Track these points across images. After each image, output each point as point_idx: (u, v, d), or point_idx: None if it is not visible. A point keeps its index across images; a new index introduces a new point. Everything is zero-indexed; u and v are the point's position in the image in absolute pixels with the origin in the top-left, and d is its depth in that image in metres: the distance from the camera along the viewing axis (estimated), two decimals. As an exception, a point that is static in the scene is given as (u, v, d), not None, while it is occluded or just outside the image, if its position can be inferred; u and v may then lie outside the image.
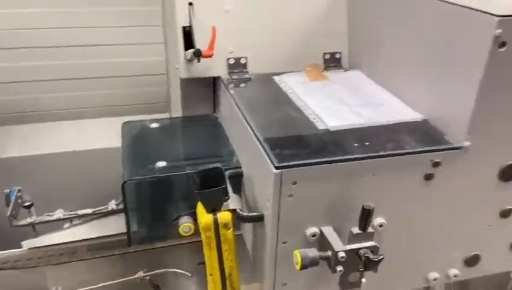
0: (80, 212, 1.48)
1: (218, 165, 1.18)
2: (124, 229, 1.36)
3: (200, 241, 1.16)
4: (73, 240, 1.49)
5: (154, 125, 1.58)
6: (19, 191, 1.55)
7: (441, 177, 1.12)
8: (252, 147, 1.16)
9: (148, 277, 1.50)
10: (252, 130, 1.18)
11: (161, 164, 1.33)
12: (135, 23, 2.45)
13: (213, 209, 1.14)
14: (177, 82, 1.63)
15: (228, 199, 1.16)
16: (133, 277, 1.50)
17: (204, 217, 1.13)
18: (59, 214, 1.46)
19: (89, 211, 1.48)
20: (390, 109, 1.27)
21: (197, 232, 1.32)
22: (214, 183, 1.13)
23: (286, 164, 1.01)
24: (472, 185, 1.17)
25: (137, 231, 1.35)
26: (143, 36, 2.44)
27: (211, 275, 1.20)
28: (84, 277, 1.57)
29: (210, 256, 1.17)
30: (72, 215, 1.49)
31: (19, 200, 1.52)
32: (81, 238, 1.50)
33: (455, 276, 1.31)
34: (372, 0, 1.46)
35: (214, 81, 1.62)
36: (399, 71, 1.34)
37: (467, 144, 1.09)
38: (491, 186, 1.18)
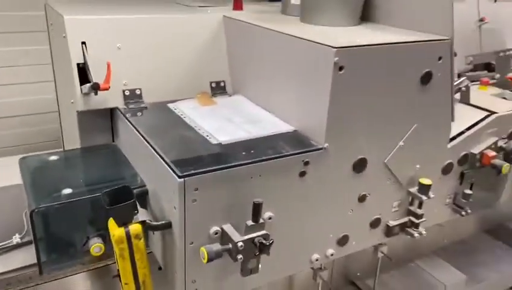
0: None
1: (126, 184, 1.31)
2: (31, 261, 1.39)
3: (107, 265, 1.27)
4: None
5: (53, 157, 1.63)
6: None
7: (312, 173, 1.41)
8: (155, 165, 1.33)
9: (59, 305, 1.53)
10: (154, 150, 1.35)
11: (67, 191, 1.41)
12: (23, 62, 2.43)
13: (124, 223, 1.27)
14: (72, 116, 1.71)
15: (137, 212, 1.30)
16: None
17: (117, 231, 1.25)
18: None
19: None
20: (269, 124, 1.54)
21: (105, 253, 1.42)
22: (123, 201, 1.26)
23: (187, 173, 1.20)
24: (335, 177, 1.48)
25: (47, 260, 1.39)
26: (30, 75, 2.43)
27: (126, 284, 1.31)
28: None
29: (124, 266, 1.29)
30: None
31: None
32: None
33: (332, 255, 1.61)
34: (243, 37, 1.75)
35: (111, 112, 1.75)
36: (272, 94, 1.64)
37: (326, 145, 1.41)
38: (348, 177, 1.52)
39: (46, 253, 1.39)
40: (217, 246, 1.26)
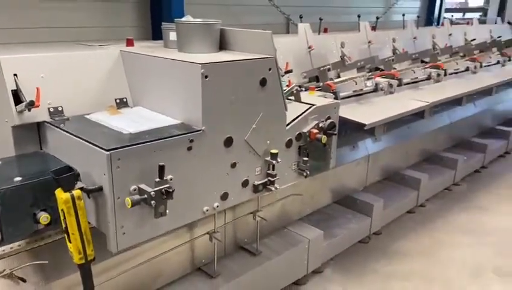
0: None
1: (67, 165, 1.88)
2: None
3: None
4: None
5: (-2, 162, 2.10)
6: None
7: (196, 148, 2.13)
8: (86, 150, 1.92)
9: (13, 272, 1.97)
10: (85, 141, 1.94)
11: (17, 179, 1.91)
12: None
13: (68, 190, 1.83)
14: (7, 132, 2.19)
15: (77, 182, 1.87)
16: (1, 274, 1.94)
17: (64, 195, 1.81)
18: None
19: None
20: (163, 120, 2.23)
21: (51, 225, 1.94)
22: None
23: (112, 148, 1.83)
24: (212, 150, 2.21)
25: (6, 231, 1.86)
26: None
27: (73, 234, 1.85)
28: None
29: (71, 221, 1.84)
30: None
31: None
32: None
33: (217, 207, 2.32)
34: (137, 64, 2.43)
35: (38, 126, 2.27)
36: (162, 102, 2.33)
37: (203, 128, 2.14)
38: (221, 150, 2.26)
39: (5, 226, 1.86)
40: (137, 196, 1.89)
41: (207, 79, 2.09)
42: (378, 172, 4.40)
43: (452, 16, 10.30)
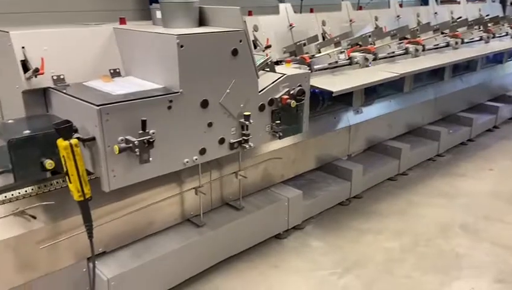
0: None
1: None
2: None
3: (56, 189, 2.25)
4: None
5: (10, 121, 2.53)
6: None
7: (175, 107, 2.52)
8: (83, 107, 2.33)
9: (25, 211, 2.42)
10: (82, 100, 2.35)
11: (27, 132, 2.33)
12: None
13: (67, 139, 2.24)
14: (18, 97, 2.62)
15: (74, 133, 2.28)
16: (15, 211, 2.39)
17: (64, 142, 2.23)
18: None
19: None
20: (148, 86, 2.62)
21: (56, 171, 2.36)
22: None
23: (101, 104, 2.24)
24: (189, 110, 2.60)
25: (18, 174, 2.29)
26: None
27: (72, 175, 2.27)
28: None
29: (70, 164, 2.25)
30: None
31: None
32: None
33: (196, 159, 2.71)
34: (127, 39, 2.82)
35: (44, 92, 2.69)
36: (148, 70, 2.72)
37: (181, 90, 2.52)
38: (199, 111, 2.65)
39: (17, 169, 2.29)
40: (123, 144, 2.30)
41: (182, 48, 2.47)
42: (360, 142, 4.73)
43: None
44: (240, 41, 2.74)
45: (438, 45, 5.08)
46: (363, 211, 4.26)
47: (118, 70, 2.90)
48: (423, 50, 4.75)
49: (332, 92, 3.31)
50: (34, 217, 2.49)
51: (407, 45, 4.64)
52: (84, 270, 2.78)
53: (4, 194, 2.46)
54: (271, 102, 3.05)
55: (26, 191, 2.52)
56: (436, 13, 5.76)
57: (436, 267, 3.40)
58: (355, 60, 3.97)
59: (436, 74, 5.39)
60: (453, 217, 4.11)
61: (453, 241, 3.73)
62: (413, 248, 3.66)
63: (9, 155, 2.25)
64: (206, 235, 3.18)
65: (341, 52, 3.81)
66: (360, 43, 4.33)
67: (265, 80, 3.06)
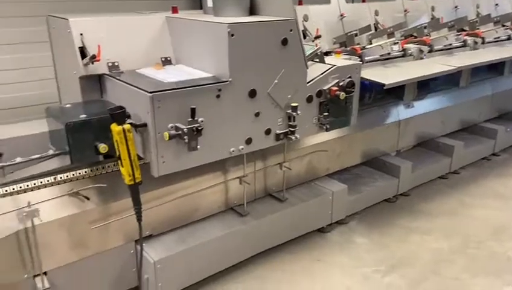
0: (33, 156, 2.45)
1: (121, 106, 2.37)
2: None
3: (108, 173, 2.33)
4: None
5: (68, 105, 2.65)
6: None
7: (223, 96, 2.53)
8: (136, 94, 2.39)
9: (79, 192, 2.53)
10: (135, 87, 2.41)
11: (83, 116, 2.43)
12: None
13: (120, 124, 2.31)
14: (75, 82, 2.73)
15: (127, 119, 2.35)
16: (70, 192, 2.50)
17: (117, 127, 2.30)
18: (19, 159, 2.41)
19: (37, 155, 2.46)
20: (198, 74, 2.65)
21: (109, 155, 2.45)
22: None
23: (154, 91, 2.28)
24: (237, 99, 2.61)
25: (74, 156, 2.40)
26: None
27: (124, 159, 2.34)
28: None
29: (122, 148, 2.33)
30: (28, 160, 2.45)
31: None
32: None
33: (242, 149, 2.72)
34: (179, 28, 2.86)
35: (99, 79, 2.78)
36: (199, 59, 2.74)
37: (230, 79, 2.53)
38: (247, 100, 2.65)
39: (73, 151, 2.39)
40: (173, 131, 2.34)
41: (233, 37, 2.47)
42: (410, 138, 4.56)
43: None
44: (290, 30, 2.71)
45: (498, 38, 4.79)
46: (410, 209, 4.12)
47: (169, 58, 2.94)
48: (482, 43, 4.49)
49: (384, 85, 3.20)
50: (88, 198, 2.60)
51: (465, 37, 4.40)
52: (132, 251, 2.88)
53: (60, 175, 2.59)
54: (319, 93, 3.00)
55: (80, 173, 2.63)
56: (497, 5, 5.42)
57: (487, 270, 3.24)
58: (409, 51, 3.81)
59: (495, 69, 5.09)
60: (507, 219, 3.89)
61: (507, 245, 3.54)
62: (463, 249, 3.50)
63: (67, 138, 2.35)
64: (249, 224, 3.19)
65: (394, 44, 3.67)
66: (414, 34, 4.15)
67: (314, 70, 3.01)
